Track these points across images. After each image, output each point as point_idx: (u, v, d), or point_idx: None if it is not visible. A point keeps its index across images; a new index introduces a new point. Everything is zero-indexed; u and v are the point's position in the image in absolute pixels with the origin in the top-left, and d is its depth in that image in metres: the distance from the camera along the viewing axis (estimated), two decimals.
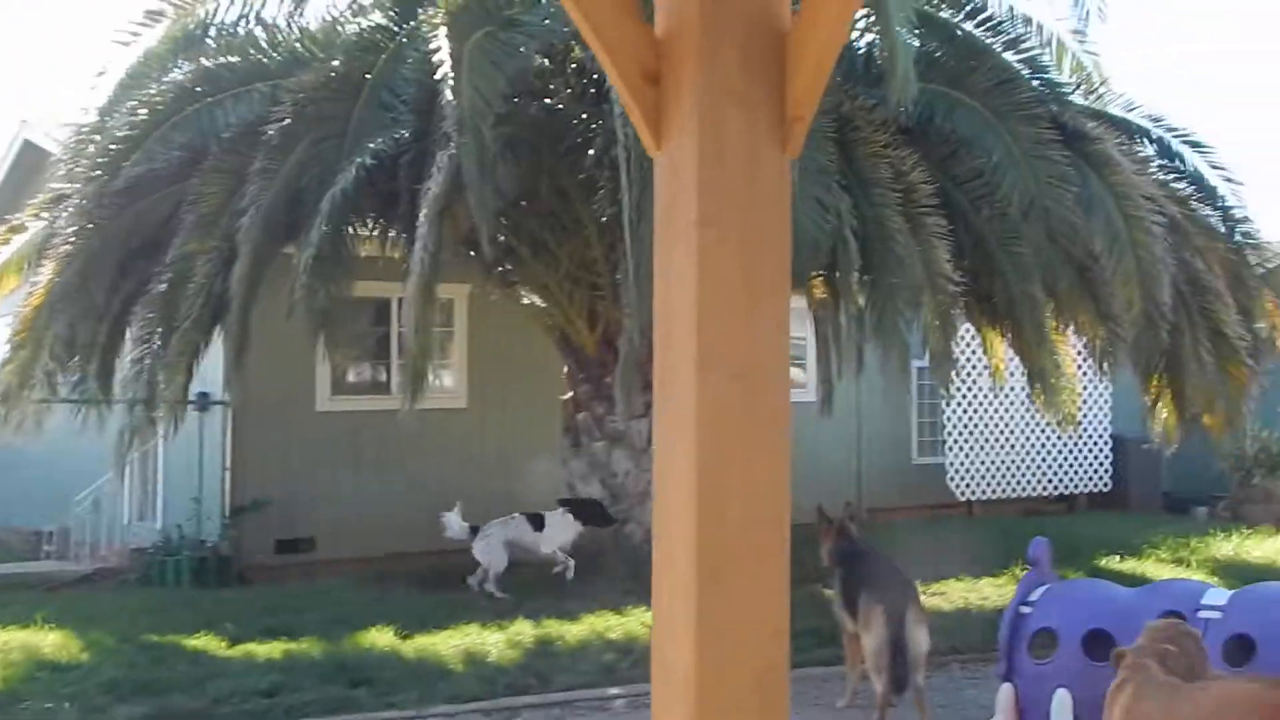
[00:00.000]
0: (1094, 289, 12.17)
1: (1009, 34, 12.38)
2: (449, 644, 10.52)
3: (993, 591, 12.73)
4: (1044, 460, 20.89)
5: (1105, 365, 13.33)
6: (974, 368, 18.79)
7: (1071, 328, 13.46)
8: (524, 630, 10.94)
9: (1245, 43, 60.49)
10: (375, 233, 12.31)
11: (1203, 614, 7.85)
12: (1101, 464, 21.41)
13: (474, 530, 13.12)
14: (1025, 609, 8.53)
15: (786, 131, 3.18)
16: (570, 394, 13.80)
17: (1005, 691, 8.36)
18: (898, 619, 8.46)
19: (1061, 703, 8.08)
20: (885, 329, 11.11)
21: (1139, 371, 13.42)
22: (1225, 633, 7.78)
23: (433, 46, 10.57)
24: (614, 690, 9.56)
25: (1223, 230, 13.55)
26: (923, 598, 12.83)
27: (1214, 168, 13.51)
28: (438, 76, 10.26)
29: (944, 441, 19.89)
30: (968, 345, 18.46)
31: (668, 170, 3.18)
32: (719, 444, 3.01)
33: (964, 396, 19.65)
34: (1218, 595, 8.17)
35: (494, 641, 10.60)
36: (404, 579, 13.20)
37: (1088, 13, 12.24)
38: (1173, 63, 57.11)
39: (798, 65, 3.17)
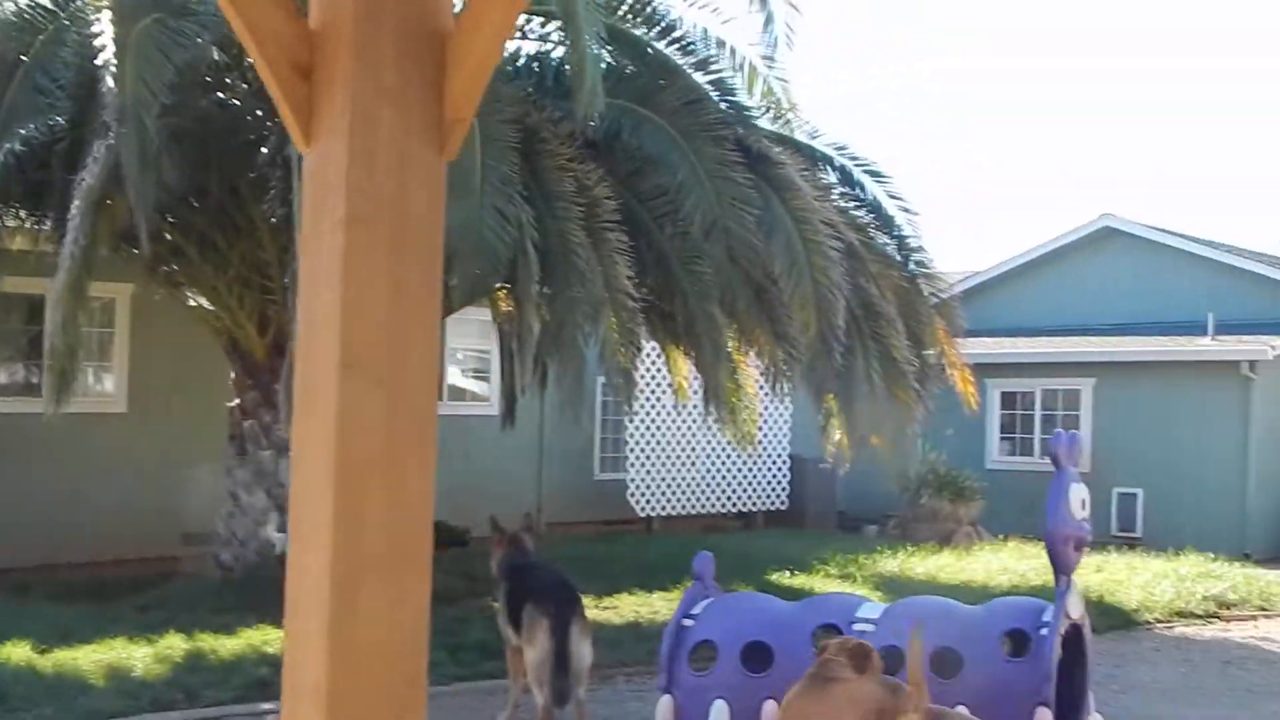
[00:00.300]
0: (772, 310, 12.27)
1: (699, 55, 12.39)
2: (92, 658, 9.86)
3: (663, 606, 12.74)
4: (723, 478, 21.21)
5: (781, 386, 13.47)
6: (658, 385, 18.93)
7: (753, 349, 13.58)
8: (175, 644, 10.37)
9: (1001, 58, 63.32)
10: (27, 225, 11.53)
11: (857, 626, 8.09)
12: (780, 483, 21.87)
13: None
14: (687, 622, 8.59)
15: (444, 133, 3.10)
16: (237, 400, 13.20)
17: (664, 704, 8.36)
18: (561, 631, 8.32)
19: (719, 714, 8.15)
20: (564, 343, 10.94)
21: (813, 392, 13.60)
22: (877, 644, 7.98)
23: (95, 30, 9.94)
24: (266, 706, 9.12)
25: (898, 258, 13.89)
26: (594, 611, 12.77)
27: (891, 197, 13.85)
28: (99, 62, 9.66)
29: (626, 458, 19.97)
30: (653, 363, 18.58)
31: (317, 167, 3.06)
32: (360, 451, 2.90)
33: (646, 414, 19.77)
34: (872, 609, 8.42)
35: (141, 656, 9.99)
36: (52, 591, 12.39)
37: (776, 39, 12.33)
38: (924, 79, 59.35)
39: (458, 66, 3.08)
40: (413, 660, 2.98)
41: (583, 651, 8.47)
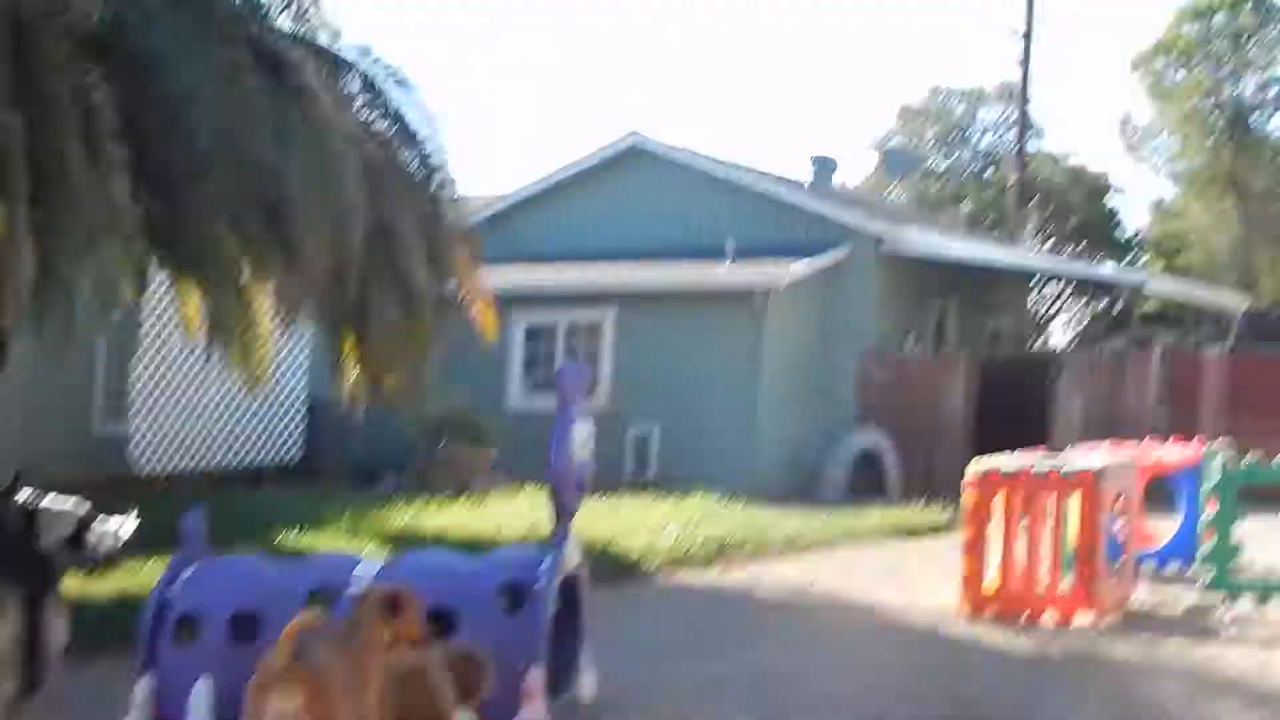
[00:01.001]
0: (286, 233, 11.19)
1: None
2: None
3: (157, 575, 11.70)
4: (237, 424, 19.93)
5: (295, 318, 12.43)
6: (166, 327, 17.46)
7: (269, 279, 12.43)
8: None
9: None
10: None
11: (354, 588, 7.61)
12: (297, 428, 20.77)
13: None
14: (171, 592, 7.82)
15: None
16: None
17: (142, 685, 7.59)
18: (32, 609, 7.12)
19: (199, 693, 7.41)
20: (58, 270, 9.54)
21: (328, 327, 12.70)
22: None
23: None
24: None
25: (419, 178, 13.04)
26: (75, 584, 11.41)
27: (417, 109, 12.95)
28: None
29: (129, 409, 18.43)
30: (160, 300, 16.97)
31: None
32: None
33: (152, 359, 18.30)
34: (369, 567, 8.07)
35: None
36: None
37: None
38: None
39: None
40: None
41: (57, 631, 7.34)
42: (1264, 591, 11.89)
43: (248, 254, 11.57)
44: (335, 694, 5.55)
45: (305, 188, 10.31)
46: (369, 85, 12.70)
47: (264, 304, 13.29)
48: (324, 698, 5.51)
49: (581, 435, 8.03)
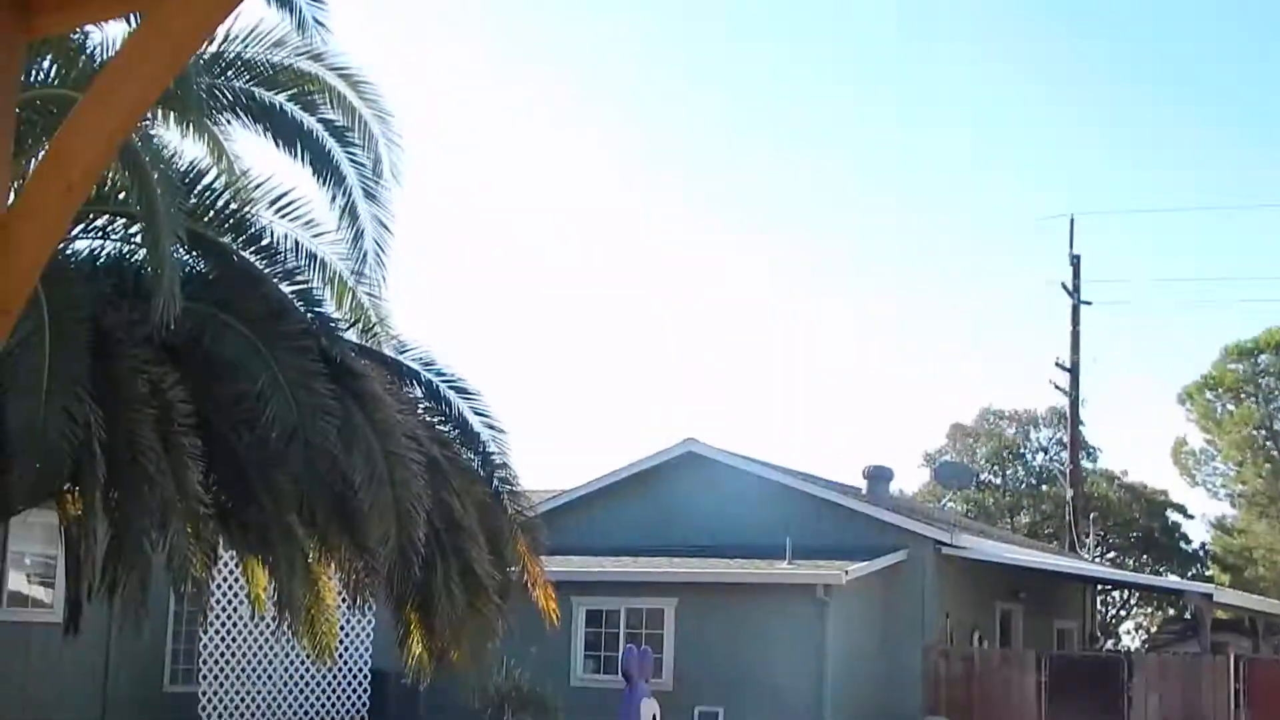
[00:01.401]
0: (352, 521, 12.19)
1: (286, 265, 12.43)
2: None
3: None
4: (302, 692, 20.63)
5: (361, 597, 13.35)
6: (235, 596, 18.43)
7: (334, 560, 13.41)
8: None
9: None
10: None
11: None
12: (359, 697, 21.42)
13: None
14: None
15: None
16: None
17: None
18: None
19: None
20: (128, 547, 10.58)
21: (393, 605, 13.53)
22: None
23: None
24: None
25: (482, 473, 14.09)
26: None
27: (477, 414, 14.06)
28: None
29: (198, 670, 19.23)
30: (230, 573, 18.08)
31: None
32: None
33: (222, 625, 19.18)
34: None
35: None
36: None
37: (365, 255, 12.60)
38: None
39: (10, 259, 2.99)
40: None
41: None
42: None
43: (314, 538, 12.59)
44: None
45: (369, 481, 11.21)
46: (431, 391, 13.87)
47: (330, 582, 14.25)
48: None
49: (650, 711, 8.49)
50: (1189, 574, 46.48)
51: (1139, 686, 21.95)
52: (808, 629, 22.26)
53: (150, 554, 10.78)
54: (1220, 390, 48.17)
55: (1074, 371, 40.75)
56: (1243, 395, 47.93)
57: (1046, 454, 53.06)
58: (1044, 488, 51.96)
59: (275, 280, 12.14)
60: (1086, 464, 47.31)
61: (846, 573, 21.99)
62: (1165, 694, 21.79)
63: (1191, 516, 50.88)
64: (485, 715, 21.12)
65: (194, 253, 11.28)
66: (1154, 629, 46.04)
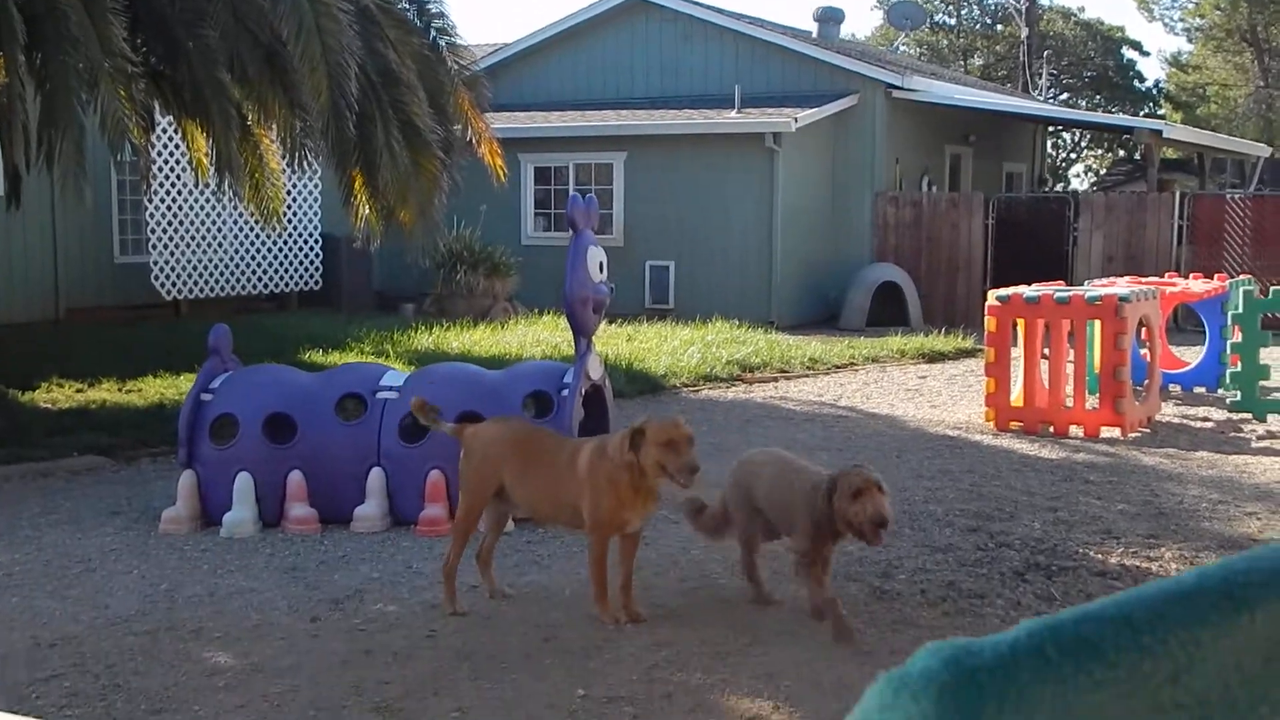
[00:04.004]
0: (285, 77, 11.77)
1: None
2: None
3: (189, 387, 12.48)
4: (254, 259, 20.65)
5: (301, 158, 13.01)
6: (178, 164, 18.16)
7: (272, 121, 13.01)
8: None
9: None
10: None
11: (381, 394, 8.47)
12: (312, 262, 21.48)
13: None
14: (206, 396, 8.55)
15: None
16: None
17: (186, 478, 8.44)
18: None
19: (243, 485, 8.26)
20: (58, 112, 10.18)
21: (336, 165, 13.25)
22: (401, 410, 8.31)
23: None
24: None
25: (419, 24, 13.52)
26: (116, 395, 12.31)
27: None
28: None
29: (148, 240, 19.13)
30: (170, 139, 17.74)
31: None
32: None
33: (166, 193, 18.97)
34: (395, 377, 8.71)
35: None
36: None
37: None
38: None
39: None
40: None
41: None
42: None
43: (250, 98, 12.17)
44: None
45: (296, 32, 10.75)
46: None
47: (273, 145, 13.91)
48: None
49: (596, 259, 8.42)
50: (1141, 114, 46.54)
51: (1084, 226, 22.17)
52: (757, 179, 22.16)
53: (82, 119, 10.38)
54: None
55: None
56: None
57: None
58: (999, 27, 51.33)
59: None
60: (1044, 0, 46.54)
61: (796, 120, 21.71)
62: (1110, 232, 22.03)
63: (1147, 53, 50.77)
64: (438, 275, 21.27)
65: None
66: (1103, 171, 46.44)
